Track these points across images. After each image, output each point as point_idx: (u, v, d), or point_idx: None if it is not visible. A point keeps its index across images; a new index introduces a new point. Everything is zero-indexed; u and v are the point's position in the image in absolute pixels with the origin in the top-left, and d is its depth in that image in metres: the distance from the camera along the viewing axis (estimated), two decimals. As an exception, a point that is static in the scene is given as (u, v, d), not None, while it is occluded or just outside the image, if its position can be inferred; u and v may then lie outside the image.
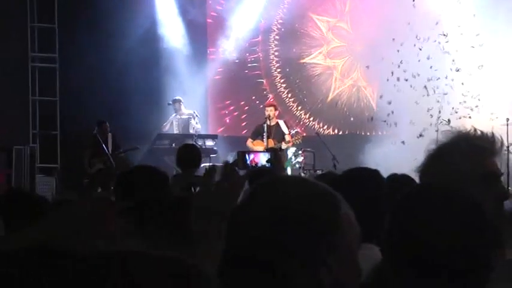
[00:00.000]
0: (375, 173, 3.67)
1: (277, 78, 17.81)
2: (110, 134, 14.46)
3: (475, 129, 2.80)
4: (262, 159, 5.68)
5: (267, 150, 12.69)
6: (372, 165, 4.19)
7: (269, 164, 5.50)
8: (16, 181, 13.77)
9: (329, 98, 17.54)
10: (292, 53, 17.57)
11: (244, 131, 16.54)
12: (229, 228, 1.75)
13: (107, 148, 14.23)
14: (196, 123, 15.36)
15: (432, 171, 2.77)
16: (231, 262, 1.70)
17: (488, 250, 2.02)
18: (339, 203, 1.73)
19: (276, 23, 17.69)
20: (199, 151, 8.60)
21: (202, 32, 17.48)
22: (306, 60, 17.67)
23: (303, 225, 1.66)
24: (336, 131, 17.24)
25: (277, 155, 5.72)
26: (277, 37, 17.72)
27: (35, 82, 16.14)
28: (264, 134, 14.17)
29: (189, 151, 8.46)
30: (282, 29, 17.65)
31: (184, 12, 16.86)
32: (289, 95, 17.73)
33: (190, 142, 13.24)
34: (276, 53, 17.76)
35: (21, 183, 13.77)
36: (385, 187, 3.54)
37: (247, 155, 5.77)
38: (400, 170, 4.83)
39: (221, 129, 17.45)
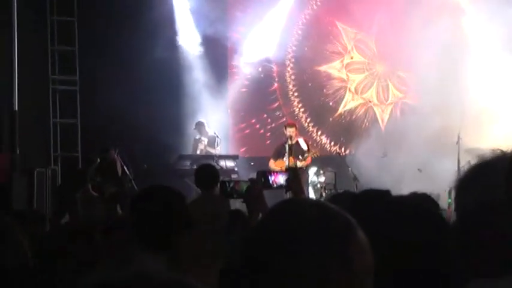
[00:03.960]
0: (386, 193, 3.64)
1: (292, 92, 17.72)
2: (118, 157, 14.48)
3: None
4: (281, 179, 5.66)
5: (286, 170, 12.65)
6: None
7: (286, 183, 5.45)
8: (38, 203, 13.79)
9: (337, 113, 17.48)
10: (309, 57, 17.46)
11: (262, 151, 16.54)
12: (243, 248, 1.74)
13: (117, 172, 14.29)
14: (217, 144, 15.40)
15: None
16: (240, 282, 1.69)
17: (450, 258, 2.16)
18: (350, 228, 1.70)
19: (299, 23, 17.59)
20: (217, 170, 8.66)
21: (222, 49, 17.38)
22: (323, 68, 17.59)
23: (311, 246, 1.64)
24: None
25: (296, 175, 5.68)
26: (295, 42, 17.60)
27: (56, 104, 16.22)
28: (286, 153, 14.16)
29: (208, 171, 8.50)
30: (302, 30, 17.53)
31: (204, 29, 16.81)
32: (305, 115, 17.64)
33: (211, 163, 13.25)
34: (292, 60, 17.66)
35: (43, 206, 13.79)
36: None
37: (268, 175, 5.76)
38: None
39: (242, 150, 17.43)
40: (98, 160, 14.29)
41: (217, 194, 8.79)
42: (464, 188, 2.65)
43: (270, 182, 5.82)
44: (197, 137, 15.62)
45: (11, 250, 2.86)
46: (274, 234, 1.68)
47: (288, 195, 7.97)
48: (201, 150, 15.46)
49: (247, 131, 17.68)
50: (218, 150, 15.45)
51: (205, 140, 15.53)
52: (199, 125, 15.71)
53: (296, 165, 13.78)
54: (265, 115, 17.66)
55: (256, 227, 1.79)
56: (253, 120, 17.66)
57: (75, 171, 14.81)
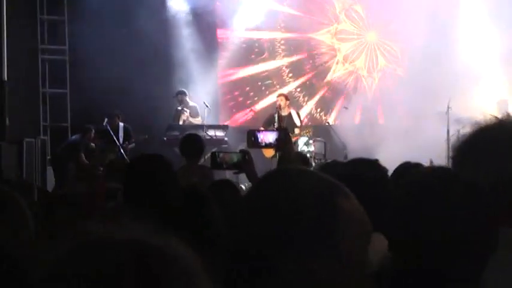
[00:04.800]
0: (375, 163, 3.67)
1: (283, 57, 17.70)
2: (121, 124, 14.50)
3: None
4: (270, 138, 5.64)
5: (277, 129, 12.46)
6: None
7: (276, 143, 5.41)
8: (27, 173, 13.79)
9: (325, 80, 17.48)
10: (300, 26, 17.41)
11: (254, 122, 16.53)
12: (232, 221, 1.77)
13: (118, 139, 14.29)
14: (206, 114, 15.37)
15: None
16: (232, 256, 1.70)
17: (489, 231, 2.07)
18: (341, 195, 1.71)
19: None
20: (202, 140, 8.63)
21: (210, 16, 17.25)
22: (313, 35, 17.55)
23: (299, 217, 1.64)
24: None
25: (287, 135, 5.63)
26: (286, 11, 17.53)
27: (45, 74, 16.17)
28: (275, 124, 14.14)
29: (192, 141, 8.48)
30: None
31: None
32: (296, 83, 17.63)
33: (200, 132, 13.27)
34: (283, 29, 17.60)
35: (32, 176, 13.79)
36: (386, 176, 3.56)
37: (257, 133, 5.76)
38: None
39: (232, 119, 17.43)
40: (93, 130, 14.32)
41: (202, 164, 8.83)
42: (467, 157, 2.62)
43: (259, 140, 5.82)
44: (179, 108, 15.53)
45: (14, 220, 2.87)
46: (263, 208, 1.68)
47: (278, 155, 8.00)
48: (184, 121, 15.38)
49: (239, 100, 17.67)
50: (199, 121, 15.39)
51: (187, 111, 15.43)
52: (181, 94, 15.57)
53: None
54: (256, 84, 17.65)
55: (246, 198, 1.79)
56: (245, 89, 17.66)
57: (66, 142, 14.82)
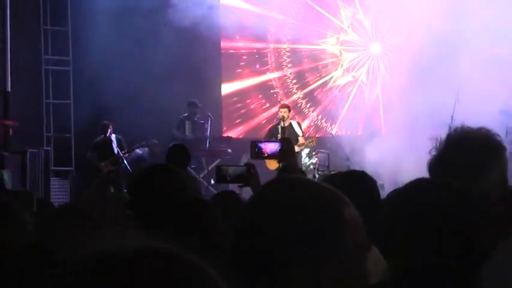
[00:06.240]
0: (364, 174, 3.70)
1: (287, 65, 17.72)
2: (113, 135, 14.54)
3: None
4: (272, 148, 5.64)
5: (279, 140, 12.39)
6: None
7: (279, 153, 5.37)
8: (30, 184, 13.79)
9: (326, 87, 17.50)
10: (304, 36, 17.44)
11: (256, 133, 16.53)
12: (238, 225, 1.76)
13: (112, 150, 14.39)
14: (209, 125, 15.35)
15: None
16: (237, 258, 1.70)
17: (483, 239, 2.10)
18: (344, 204, 1.72)
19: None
20: (188, 150, 8.66)
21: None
22: (317, 46, 17.57)
23: (304, 223, 1.65)
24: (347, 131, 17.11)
25: (290, 146, 5.59)
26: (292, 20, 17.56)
27: (49, 85, 16.19)
28: (278, 135, 14.12)
29: (178, 152, 8.51)
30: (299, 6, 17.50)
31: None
32: (301, 94, 17.65)
33: (204, 145, 13.28)
34: (289, 37, 17.63)
35: (36, 187, 13.79)
36: (376, 188, 3.59)
37: (259, 144, 5.74)
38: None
39: (234, 131, 17.43)
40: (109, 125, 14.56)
41: (189, 174, 8.83)
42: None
43: (262, 151, 5.84)
44: (183, 115, 15.45)
45: (15, 226, 2.88)
46: (264, 214, 1.69)
47: (281, 165, 7.98)
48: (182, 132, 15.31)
49: (242, 111, 17.68)
50: (189, 135, 15.30)
51: (189, 123, 15.36)
52: (190, 106, 15.52)
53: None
54: (260, 95, 17.66)
55: (250, 204, 1.80)
56: (248, 101, 17.67)
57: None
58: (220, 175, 5.38)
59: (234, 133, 17.20)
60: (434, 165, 2.78)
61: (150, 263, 1.04)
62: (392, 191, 2.36)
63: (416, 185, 2.23)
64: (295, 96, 17.60)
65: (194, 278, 1.06)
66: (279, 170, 6.55)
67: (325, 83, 17.56)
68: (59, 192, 14.63)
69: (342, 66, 17.57)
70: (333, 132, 16.43)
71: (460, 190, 2.15)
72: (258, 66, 17.72)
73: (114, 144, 14.48)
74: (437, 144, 2.84)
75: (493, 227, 2.18)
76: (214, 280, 1.08)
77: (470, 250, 2.06)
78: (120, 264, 1.03)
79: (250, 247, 1.66)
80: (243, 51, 17.62)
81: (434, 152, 2.83)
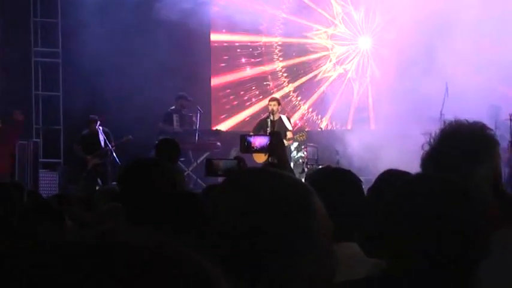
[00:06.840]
0: (349, 173, 3.71)
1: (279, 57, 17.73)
2: (100, 128, 14.50)
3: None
4: (261, 142, 5.66)
5: (269, 134, 12.34)
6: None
7: (269, 147, 5.39)
8: (19, 176, 13.78)
9: (316, 79, 17.52)
10: (295, 30, 17.45)
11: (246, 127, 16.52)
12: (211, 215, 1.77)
13: (99, 144, 14.40)
14: (198, 119, 15.33)
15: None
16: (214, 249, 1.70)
17: (481, 235, 2.10)
18: (312, 193, 1.73)
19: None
20: (178, 145, 8.64)
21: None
22: (308, 40, 17.58)
23: (276, 211, 1.66)
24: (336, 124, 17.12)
25: (279, 140, 5.59)
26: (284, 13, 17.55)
27: (38, 77, 16.16)
28: (268, 129, 14.12)
29: (167, 146, 8.50)
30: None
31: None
32: (291, 87, 17.65)
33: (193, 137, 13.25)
34: (280, 31, 17.64)
35: (24, 178, 13.78)
36: (360, 187, 3.59)
37: (248, 138, 5.74)
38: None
39: (223, 123, 17.43)
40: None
41: (178, 169, 8.82)
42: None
43: (252, 144, 5.85)
44: (171, 108, 15.41)
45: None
46: (235, 205, 1.69)
47: (269, 160, 7.99)
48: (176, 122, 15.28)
49: (232, 104, 17.68)
50: (177, 128, 15.26)
51: (177, 116, 15.33)
52: (180, 99, 15.47)
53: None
54: (250, 89, 17.67)
55: (222, 191, 1.79)
56: (238, 94, 17.67)
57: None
58: (211, 168, 5.40)
59: (223, 126, 17.20)
60: (428, 159, 2.79)
61: (163, 258, 1.04)
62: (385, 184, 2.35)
63: (416, 184, 2.24)
64: (286, 90, 17.61)
65: (201, 275, 1.06)
66: (266, 164, 6.56)
67: (315, 77, 17.57)
68: (47, 184, 14.62)
69: (331, 60, 17.58)
70: (322, 126, 16.43)
71: (460, 190, 2.15)
72: (248, 59, 17.72)
73: (102, 138, 14.46)
74: (431, 139, 2.85)
75: (489, 226, 2.19)
76: (219, 278, 1.10)
77: (470, 250, 2.07)
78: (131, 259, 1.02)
79: (226, 243, 1.66)
80: (236, 44, 17.62)
81: (427, 147, 2.84)
